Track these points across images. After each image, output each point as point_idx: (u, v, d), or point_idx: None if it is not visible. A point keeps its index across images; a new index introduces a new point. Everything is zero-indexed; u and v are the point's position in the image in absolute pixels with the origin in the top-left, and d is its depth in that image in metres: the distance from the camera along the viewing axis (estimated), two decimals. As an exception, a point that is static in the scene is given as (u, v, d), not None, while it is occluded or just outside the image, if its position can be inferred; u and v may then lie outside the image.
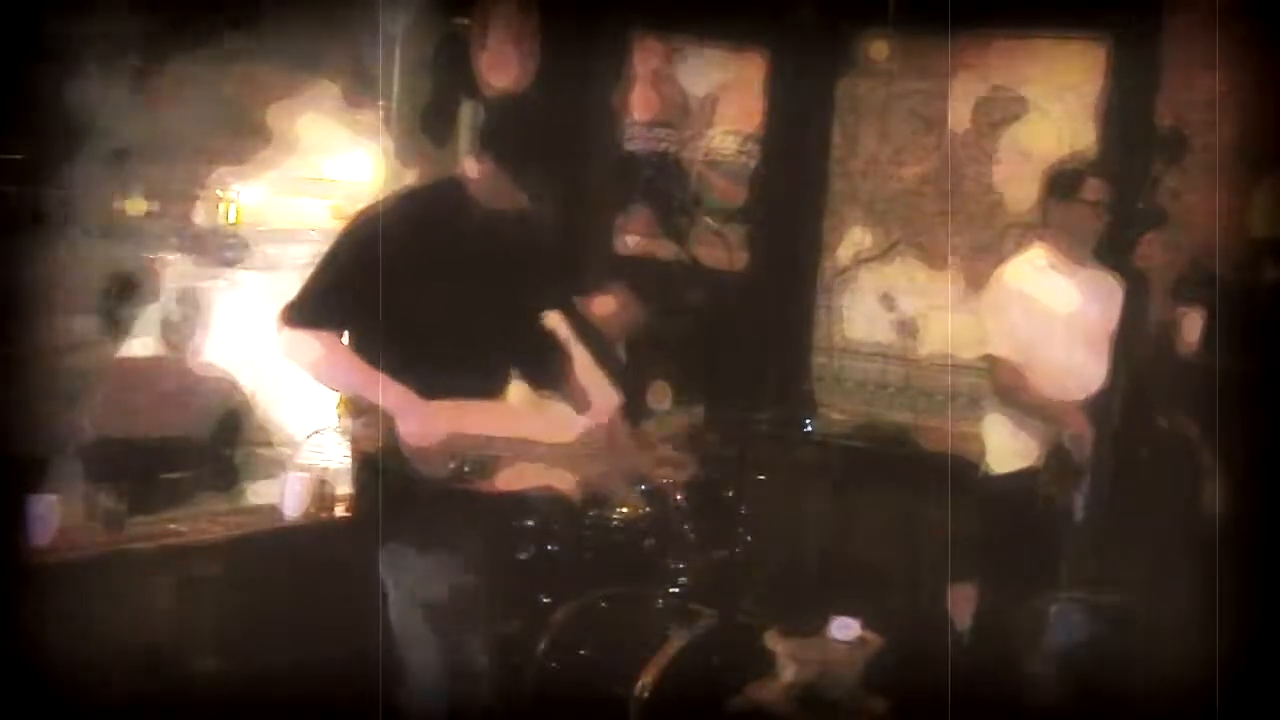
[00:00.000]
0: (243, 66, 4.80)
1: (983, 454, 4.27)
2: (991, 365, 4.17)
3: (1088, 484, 3.83)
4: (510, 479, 3.00)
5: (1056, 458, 3.93)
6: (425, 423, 2.84)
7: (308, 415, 4.62)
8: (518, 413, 3.07)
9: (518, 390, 3.16)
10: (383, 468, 2.91)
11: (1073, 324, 4.07)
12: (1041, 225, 4.29)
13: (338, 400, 2.97)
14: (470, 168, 3.04)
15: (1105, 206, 4.05)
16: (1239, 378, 4.31)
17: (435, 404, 2.88)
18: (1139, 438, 3.94)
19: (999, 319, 4.14)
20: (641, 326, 4.65)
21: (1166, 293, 4.42)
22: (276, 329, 2.93)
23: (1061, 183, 4.14)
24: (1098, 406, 3.91)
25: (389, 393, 2.86)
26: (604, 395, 3.18)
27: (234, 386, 5.00)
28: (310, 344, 2.89)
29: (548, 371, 3.17)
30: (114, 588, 3.62)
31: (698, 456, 4.34)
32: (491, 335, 3.04)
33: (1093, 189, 4.06)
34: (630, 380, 4.43)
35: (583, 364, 3.20)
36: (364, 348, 2.93)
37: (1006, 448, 4.15)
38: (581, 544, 4.05)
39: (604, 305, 4.45)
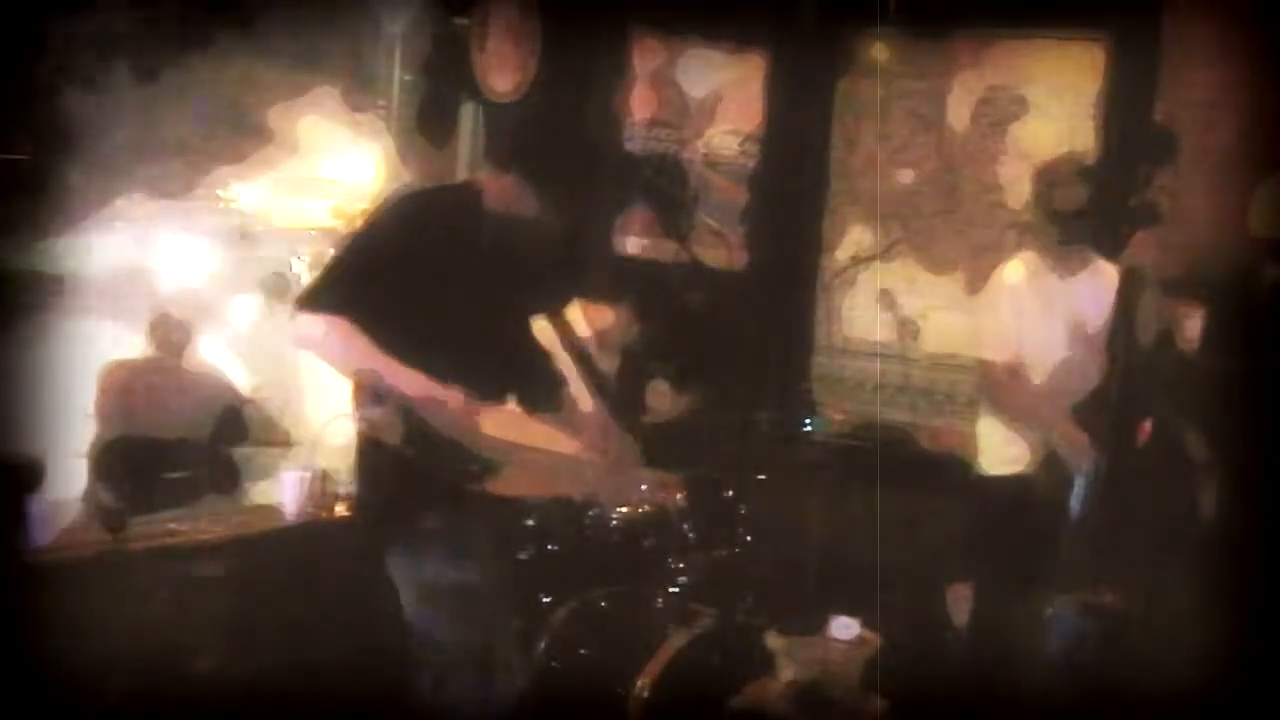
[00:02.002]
0: (243, 67, 4.80)
1: (975, 455, 4.25)
2: (984, 370, 4.15)
3: (1084, 485, 3.82)
4: (514, 484, 3.01)
5: (1050, 461, 3.92)
6: (445, 390, 2.86)
7: (309, 411, 4.63)
8: (521, 419, 3.07)
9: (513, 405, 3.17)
10: (393, 458, 2.92)
11: (1068, 326, 4.05)
12: (1034, 227, 4.25)
13: (352, 389, 2.97)
14: (488, 179, 3.05)
15: (1090, 210, 4.00)
16: (1238, 378, 4.31)
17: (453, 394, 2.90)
18: (1135, 439, 3.93)
19: (992, 323, 4.12)
20: (640, 333, 4.65)
21: (1166, 293, 4.41)
22: (291, 314, 2.94)
23: (1047, 186, 4.08)
24: (1093, 408, 3.89)
25: (403, 376, 2.87)
26: (598, 423, 3.20)
27: (233, 386, 5.02)
28: (326, 329, 2.90)
29: (543, 395, 3.18)
30: (114, 588, 3.62)
31: (698, 456, 4.33)
32: (493, 342, 3.05)
33: (1076, 196, 4.00)
34: (630, 381, 4.44)
35: (579, 391, 3.23)
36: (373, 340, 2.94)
37: (999, 450, 4.13)
38: (581, 544, 4.04)
39: (602, 316, 4.45)
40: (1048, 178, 4.07)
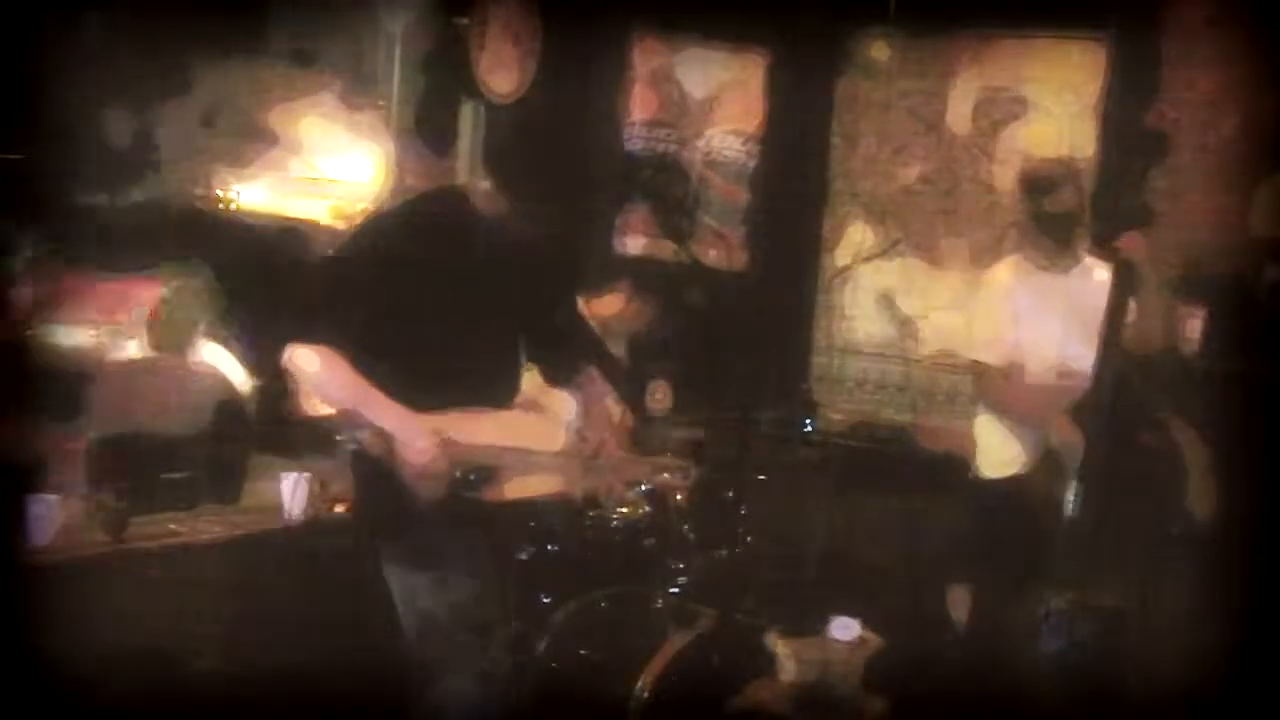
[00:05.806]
0: (243, 67, 4.80)
1: (973, 455, 4.23)
2: (978, 371, 4.13)
3: (1081, 487, 3.79)
4: (514, 488, 3.00)
5: (1047, 461, 3.89)
6: (421, 439, 2.85)
7: (311, 415, 4.63)
8: (512, 423, 3.07)
9: (530, 380, 3.16)
10: (385, 477, 2.92)
11: (1063, 324, 4.01)
12: (1026, 228, 4.20)
13: (336, 414, 2.97)
14: (477, 183, 3.04)
15: (1077, 212, 3.96)
16: (1238, 378, 4.30)
17: (428, 418, 2.89)
18: (1132, 439, 3.91)
19: (984, 325, 4.10)
20: (645, 325, 4.65)
21: (1166, 293, 4.40)
22: (276, 343, 2.94)
23: (1033, 191, 4.03)
24: (1088, 406, 3.87)
25: (384, 412, 2.87)
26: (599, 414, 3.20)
27: (233, 385, 5.01)
28: (309, 359, 2.90)
29: (561, 365, 3.20)
30: (114, 588, 3.62)
31: (698, 457, 4.33)
32: (495, 343, 3.05)
33: (1063, 199, 3.96)
34: (630, 380, 4.44)
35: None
36: (365, 360, 2.93)
37: (997, 451, 4.11)
38: (581, 544, 4.04)
39: (610, 304, 4.45)
40: (1033, 182, 4.01)
